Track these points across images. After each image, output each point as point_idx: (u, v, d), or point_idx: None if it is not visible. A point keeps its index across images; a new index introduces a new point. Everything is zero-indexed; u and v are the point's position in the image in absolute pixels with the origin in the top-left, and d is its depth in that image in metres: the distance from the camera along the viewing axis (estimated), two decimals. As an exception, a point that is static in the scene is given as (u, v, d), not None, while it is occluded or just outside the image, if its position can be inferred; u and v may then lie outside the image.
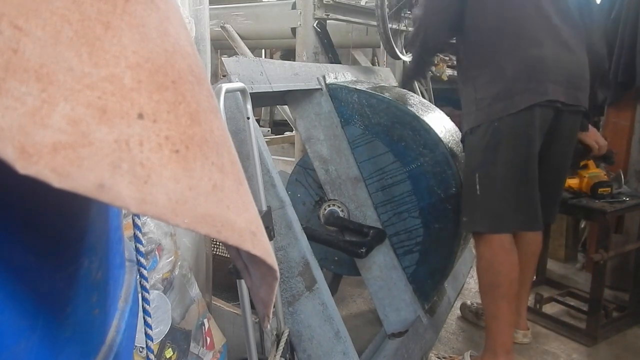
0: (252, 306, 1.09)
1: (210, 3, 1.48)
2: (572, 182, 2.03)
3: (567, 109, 1.52)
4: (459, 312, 2.09)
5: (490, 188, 1.51)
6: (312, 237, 1.44)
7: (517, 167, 1.49)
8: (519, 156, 1.49)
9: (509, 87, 1.48)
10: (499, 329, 1.55)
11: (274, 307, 0.90)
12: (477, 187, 1.52)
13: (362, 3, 2.38)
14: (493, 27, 1.52)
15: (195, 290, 1.38)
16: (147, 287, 0.61)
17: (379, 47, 2.62)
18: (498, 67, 1.50)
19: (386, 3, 1.93)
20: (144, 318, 0.63)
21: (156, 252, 1.26)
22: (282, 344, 1.21)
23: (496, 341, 1.55)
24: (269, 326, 1.21)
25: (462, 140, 1.63)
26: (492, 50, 1.52)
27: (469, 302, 2.08)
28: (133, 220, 0.60)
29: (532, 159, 1.51)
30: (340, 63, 2.23)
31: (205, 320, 1.40)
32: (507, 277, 1.52)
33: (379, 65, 2.81)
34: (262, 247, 0.31)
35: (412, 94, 1.99)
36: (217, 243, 1.89)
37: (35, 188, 0.24)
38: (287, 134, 2.89)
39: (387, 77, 2.32)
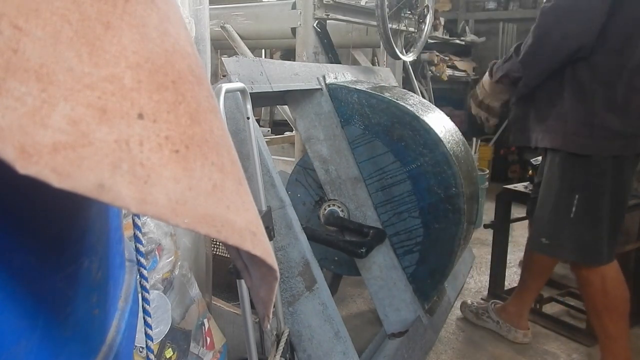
0: (252, 306, 1.09)
1: (210, 3, 1.48)
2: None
3: None
4: (459, 312, 2.09)
5: (588, 214, 1.48)
6: (312, 237, 1.44)
7: (620, 201, 1.49)
8: (622, 192, 1.49)
9: (636, 127, 1.43)
10: (620, 346, 1.54)
11: (274, 307, 0.90)
12: (574, 208, 1.48)
13: (362, 3, 2.37)
14: None
15: (195, 290, 1.38)
16: (147, 287, 0.61)
17: (379, 47, 2.62)
18: (630, 101, 1.42)
19: (386, 3, 1.93)
20: (144, 318, 0.63)
21: (156, 252, 1.26)
22: (282, 344, 1.21)
23: (620, 358, 1.55)
24: (269, 326, 1.21)
25: (533, 148, 1.58)
26: (637, 74, 1.41)
27: (469, 301, 2.08)
28: (133, 220, 0.60)
29: (629, 195, 1.52)
30: (340, 63, 2.23)
31: (205, 320, 1.40)
32: (623, 298, 1.52)
33: (379, 65, 2.81)
34: (262, 247, 0.31)
35: (412, 94, 1.99)
36: (217, 243, 1.89)
37: (35, 188, 0.24)
38: (287, 134, 2.89)
39: (387, 77, 2.32)
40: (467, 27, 4.62)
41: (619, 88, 1.42)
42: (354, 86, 1.67)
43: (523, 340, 1.87)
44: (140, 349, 1.13)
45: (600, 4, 1.35)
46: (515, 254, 2.65)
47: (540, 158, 1.86)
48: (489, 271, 2.31)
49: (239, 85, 1.18)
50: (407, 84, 3.11)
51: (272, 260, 0.32)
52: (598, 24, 1.36)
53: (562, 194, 1.53)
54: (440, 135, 1.58)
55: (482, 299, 2.23)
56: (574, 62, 1.45)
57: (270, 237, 1.17)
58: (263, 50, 3.65)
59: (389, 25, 1.97)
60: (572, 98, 1.47)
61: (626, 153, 1.45)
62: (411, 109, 1.61)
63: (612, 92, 1.43)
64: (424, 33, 2.40)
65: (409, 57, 2.36)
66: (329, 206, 1.69)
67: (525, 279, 1.91)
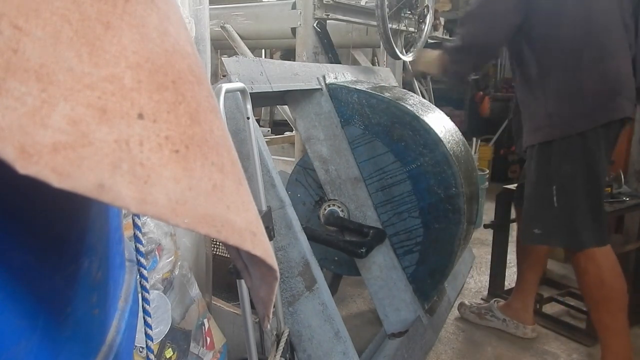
0: (252, 306, 1.09)
1: (210, 3, 1.48)
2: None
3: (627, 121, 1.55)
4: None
5: (569, 202, 1.52)
6: (312, 237, 1.44)
7: (594, 181, 1.50)
8: (595, 170, 1.50)
9: (590, 103, 1.48)
10: (621, 342, 1.54)
11: (274, 307, 0.90)
12: (555, 199, 1.53)
13: (362, 3, 2.37)
14: (574, 36, 1.47)
15: (195, 290, 1.38)
16: (147, 287, 0.61)
17: (379, 47, 2.62)
18: (577, 80, 1.48)
19: (386, 3, 1.93)
20: (144, 318, 0.63)
21: (156, 252, 1.26)
22: (282, 344, 1.21)
23: (619, 356, 1.54)
24: (269, 326, 1.21)
25: (523, 150, 1.63)
26: (571, 62, 1.48)
27: (467, 302, 2.08)
28: (133, 220, 0.60)
29: (604, 172, 1.53)
30: (340, 63, 2.23)
31: (205, 320, 1.40)
32: (620, 289, 1.53)
33: (379, 65, 2.81)
34: (262, 247, 0.31)
35: (412, 94, 1.99)
36: (217, 243, 1.89)
37: (35, 188, 0.24)
38: (287, 134, 2.89)
39: (387, 77, 2.32)
40: (467, 27, 4.60)
41: (569, 76, 1.50)
42: (354, 86, 1.67)
43: (532, 335, 1.89)
44: (140, 349, 1.13)
45: (505, 5, 1.50)
46: (515, 254, 2.65)
47: None
48: (489, 271, 2.31)
49: (239, 85, 1.18)
50: (407, 84, 3.10)
51: (272, 260, 0.32)
52: (505, 25, 1.52)
53: (541, 186, 1.57)
54: (440, 135, 1.58)
55: (482, 299, 2.23)
56: (520, 64, 1.58)
57: (270, 237, 1.17)
58: (263, 50, 3.66)
59: (389, 25, 1.97)
60: (530, 96, 1.59)
61: (585, 128, 1.49)
62: (411, 109, 1.61)
63: (562, 81, 1.51)
64: (424, 33, 2.40)
65: (409, 57, 2.36)
66: (329, 206, 1.69)
67: (523, 272, 1.93)
